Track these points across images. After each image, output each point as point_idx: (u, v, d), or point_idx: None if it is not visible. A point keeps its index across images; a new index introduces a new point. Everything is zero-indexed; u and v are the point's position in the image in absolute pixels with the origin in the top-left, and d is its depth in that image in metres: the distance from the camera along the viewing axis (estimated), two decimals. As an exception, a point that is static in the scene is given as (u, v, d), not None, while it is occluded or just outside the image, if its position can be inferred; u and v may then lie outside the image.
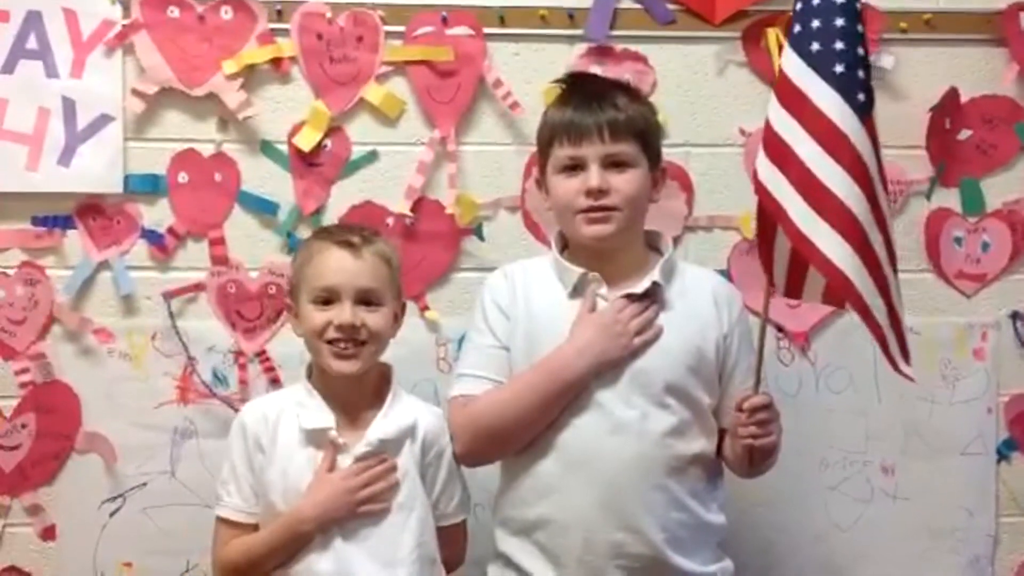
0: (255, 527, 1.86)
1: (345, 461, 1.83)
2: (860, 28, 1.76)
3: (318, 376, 1.90)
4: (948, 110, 2.34)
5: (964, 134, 2.36)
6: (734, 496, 2.06)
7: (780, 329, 2.33)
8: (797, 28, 1.77)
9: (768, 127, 1.78)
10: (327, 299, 1.85)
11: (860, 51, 1.75)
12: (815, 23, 1.75)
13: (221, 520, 1.88)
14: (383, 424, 1.86)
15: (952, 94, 2.33)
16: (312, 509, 1.79)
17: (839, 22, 1.74)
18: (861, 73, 1.74)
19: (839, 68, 1.73)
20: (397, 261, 1.93)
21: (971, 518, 2.37)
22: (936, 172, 2.35)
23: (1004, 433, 2.39)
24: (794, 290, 1.87)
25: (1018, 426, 2.39)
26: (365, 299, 1.85)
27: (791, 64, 1.76)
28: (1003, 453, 2.39)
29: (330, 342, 1.83)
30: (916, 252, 2.36)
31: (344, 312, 1.83)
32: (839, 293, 1.74)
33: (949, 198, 2.37)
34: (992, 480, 2.38)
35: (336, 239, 1.88)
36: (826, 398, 2.34)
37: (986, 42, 2.35)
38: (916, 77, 2.34)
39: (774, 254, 1.85)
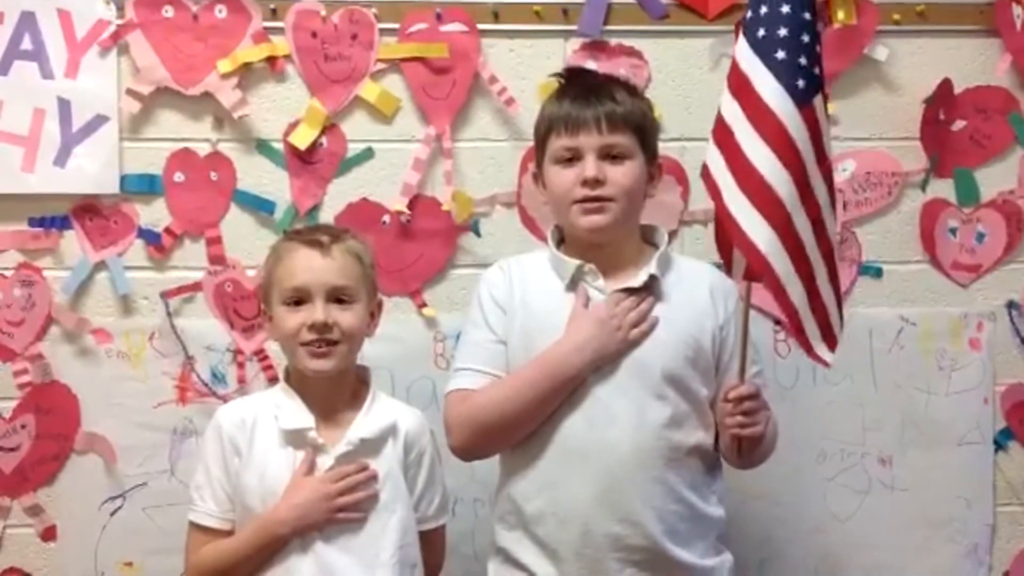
0: (229, 533, 1.84)
1: (325, 462, 1.82)
2: (808, 16, 1.78)
3: (295, 378, 1.89)
4: (942, 101, 2.35)
5: (958, 125, 2.37)
6: (732, 489, 2.06)
7: (777, 322, 2.33)
8: (749, 14, 1.81)
9: (718, 113, 1.81)
10: (299, 299, 1.84)
11: (805, 38, 1.77)
12: (763, 9, 1.78)
13: (194, 526, 1.86)
14: (364, 423, 1.85)
15: (946, 85, 2.34)
16: (289, 512, 1.78)
17: (784, 9, 1.77)
18: (803, 60, 1.76)
19: (780, 54, 1.75)
20: (370, 258, 1.92)
21: (969, 508, 2.38)
22: (930, 163, 2.36)
23: (1001, 423, 2.40)
24: (725, 268, 1.91)
25: (1015, 416, 2.40)
26: (337, 297, 1.84)
27: (740, 51, 1.79)
28: (1000, 443, 2.39)
29: (304, 344, 1.82)
30: (911, 243, 2.37)
31: (316, 311, 1.82)
32: (756, 271, 1.77)
33: (944, 189, 2.38)
34: (989, 470, 2.39)
35: (304, 239, 1.88)
36: (823, 390, 2.34)
37: (979, 33, 2.35)
38: (909, 68, 2.35)
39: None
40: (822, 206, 1.79)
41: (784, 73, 1.75)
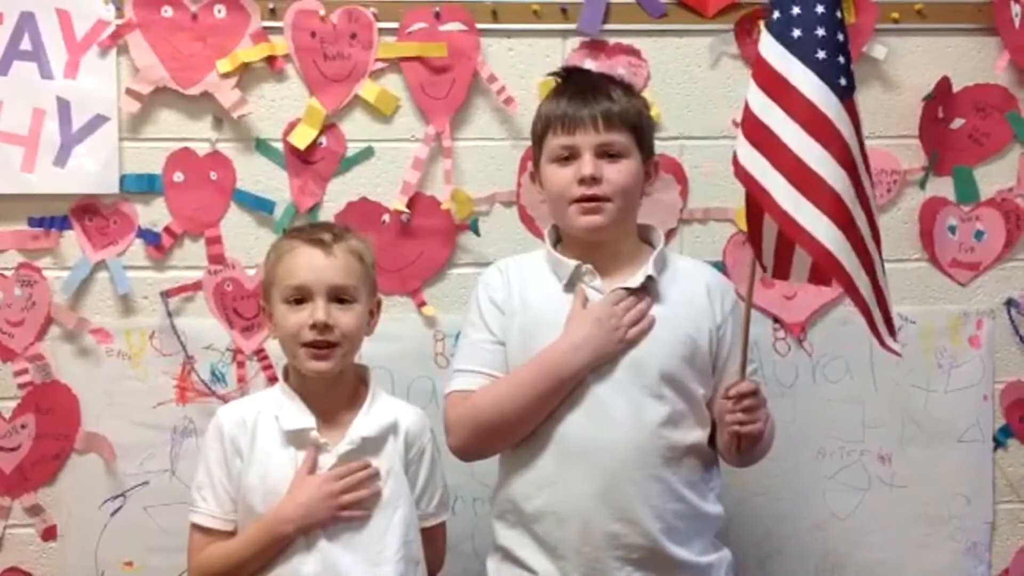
0: (231, 534, 1.84)
1: (327, 461, 1.82)
2: (839, 15, 1.78)
3: (295, 378, 1.89)
4: (941, 99, 2.35)
5: (957, 123, 2.37)
6: (732, 486, 2.07)
7: (776, 320, 2.33)
8: (776, 15, 1.79)
9: (748, 112, 1.79)
10: (300, 298, 1.83)
11: (840, 37, 1.77)
12: (795, 10, 1.77)
13: (196, 527, 1.86)
14: (365, 422, 1.85)
15: (944, 83, 2.34)
16: (293, 511, 1.78)
17: (819, 9, 1.76)
18: (842, 59, 1.77)
19: (821, 54, 1.75)
20: (371, 257, 1.92)
21: (968, 505, 2.38)
22: (929, 161, 2.36)
23: (1000, 420, 2.40)
24: (782, 271, 1.89)
25: (1014, 413, 2.40)
26: (338, 296, 1.84)
27: (771, 50, 1.78)
28: (999, 440, 2.40)
29: (305, 344, 1.82)
30: (911, 241, 2.37)
31: (317, 310, 1.81)
32: (825, 271, 1.77)
33: (943, 187, 2.38)
34: (989, 467, 2.39)
35: (306, 237, 1.87)
36: (823, 388, 2.35)
37: (977, 31, 2.35)
38: (908, 67, 2.35)
39: (762, 236, 1.86)
40: (870, 196, 1.79)
41: (827, 72, 1.74)
